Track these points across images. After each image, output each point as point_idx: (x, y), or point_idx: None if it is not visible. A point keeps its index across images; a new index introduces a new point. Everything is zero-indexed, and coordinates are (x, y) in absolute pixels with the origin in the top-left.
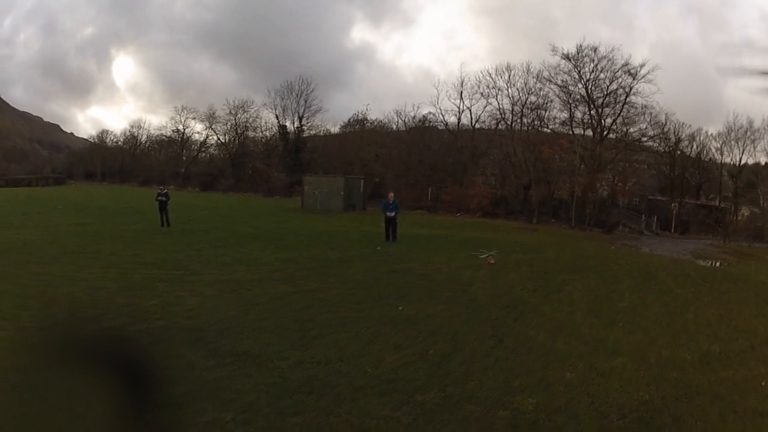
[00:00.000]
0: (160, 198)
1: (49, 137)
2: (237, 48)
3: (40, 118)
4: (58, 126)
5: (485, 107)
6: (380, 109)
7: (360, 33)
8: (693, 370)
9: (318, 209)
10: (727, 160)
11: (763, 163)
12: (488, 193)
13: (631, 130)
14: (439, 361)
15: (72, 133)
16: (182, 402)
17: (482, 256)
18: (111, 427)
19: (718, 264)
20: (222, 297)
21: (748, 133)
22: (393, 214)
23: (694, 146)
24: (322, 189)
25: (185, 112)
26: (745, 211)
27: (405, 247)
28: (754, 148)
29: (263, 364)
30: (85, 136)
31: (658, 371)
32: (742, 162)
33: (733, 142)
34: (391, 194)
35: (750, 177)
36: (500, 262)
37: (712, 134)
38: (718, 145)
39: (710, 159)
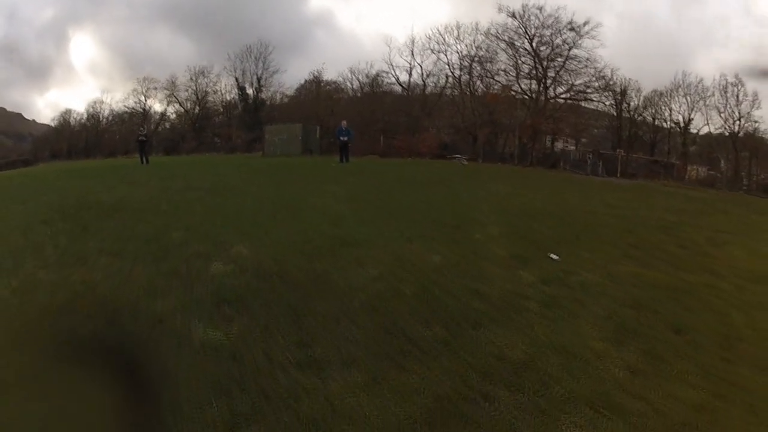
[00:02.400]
0: (140, 138)
1: (13, 127)
2: (195, 18)
3: (4, 109)
4: (20, 114)
5: (435, 62)
6: (338, 73)
7: None
8: (597, 207)
9: (278, 154)
10: (679, 118)
11: (715, 121)
12: (437, 139)
13: (577, 81)
14: (377, 192)
15: (34, 120)
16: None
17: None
18: None
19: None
20: (207, 180)
21: (699, 89)
22: (346, 138)
23: (641, 99)
24: (282, 136)
25: (146, 82)
26: (700, 170)
27: (358, 166)
28: (705, 104)
29: (247, 194)
30: (47, 122)
31: (558, 204)
32: (692, 117)
33: (681, 98)
34: (344, 122)
35: (711, 142)
36: (436, 172)
37: (660, 91)
38: (667, 101)
39: (662, 117)
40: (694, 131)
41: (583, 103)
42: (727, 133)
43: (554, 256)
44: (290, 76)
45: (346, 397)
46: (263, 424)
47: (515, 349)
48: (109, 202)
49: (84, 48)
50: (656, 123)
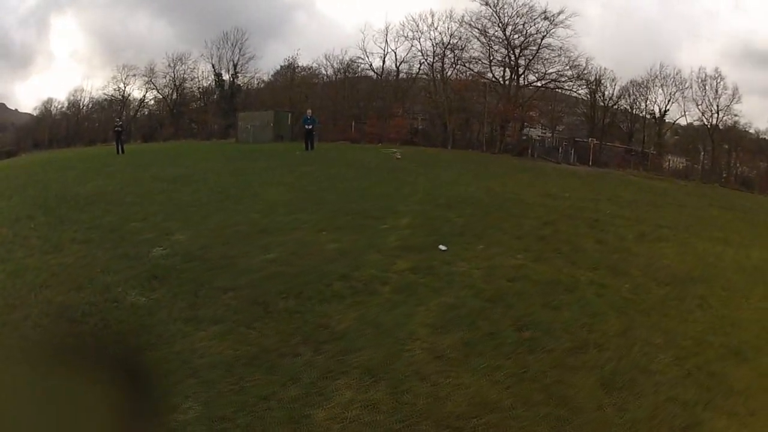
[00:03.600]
0: (116, 128)
1: None
2: (174, 2)
3: None
4: (3, 104)
5: (410, 49)
6: (313, 59)
7: None
8: (531, 198)
9: (251, 141)
10: (655, 108)
11: (693, 114)
12: (407, 124)
13: (549, 70)
14: (321, 180)
15: (16, 110)
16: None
17: (390, 151)
18: None
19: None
20: (174, 169)
21: (677, 81)
22: (311, 126)
23: (616, 89)
24: (254, 122)
25: (126, 69)
26: (678, 161)
27: (322, 152)
28: (683, 96)
29: (202, 182)
30: (29, 111)
31: (496, 193)
32: (669, 107)
33: (658, 89)
34: (309, 110)
35: (692, 133)
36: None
37: (637, 81)
38: (644, 91)
39: (639, 107)
40: (671, 122)
41: (556, 91)
42: (708, 126)
43: (442, 247)
44: (269, 60)
45: (204, 341)
46: (153, 354)
47: (342, 323)
48: (84, 194)
49: (65, 34)
50: (634, 112)
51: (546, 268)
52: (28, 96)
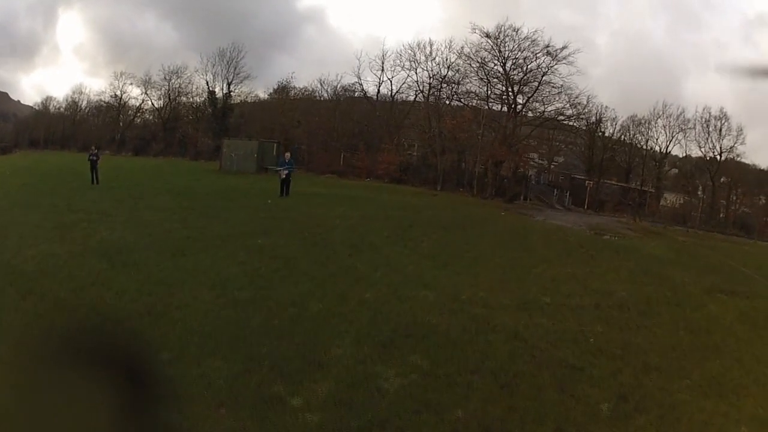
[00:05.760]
0: (91, 158)
1: None
2: (182, 6)
3: None
4: (6, 94)
5: (406, 79)
6: (308, 82)
7: None
8: (502, 312)
9: (234, 170)
10: (656, 147)
11: (694, 154)
12: (397, 160)
13: (549, 108)
14: (263, 275)
15: (19, 101)
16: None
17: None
18: None
19: (611, 237)
20: (126, 230)
21: (679, 121)
22: (286, 171)
23: (617, 127)
24: (239, 151)
25: (123, 77)
26: (676, 199)
27: (294, 201)
28: (685, 136)
29: (141, 267)
30: (30, 104)
31: (461, 306)
32: (670, 148)
33: (660, 129)
34: (287, 154)
35: (690, 168)
36: (370, 217)
37: (638, 118)
38: (645, 131)
39: (638, 143)
40: (672, 158)
41: (555, 130)
42: (707, 159)
43: None
44: (276, 72)
45: None
46: None
47: None
48: (27, 271)
49: (71, 29)
50: (634, 145)
51: None
52: (31, 88)
